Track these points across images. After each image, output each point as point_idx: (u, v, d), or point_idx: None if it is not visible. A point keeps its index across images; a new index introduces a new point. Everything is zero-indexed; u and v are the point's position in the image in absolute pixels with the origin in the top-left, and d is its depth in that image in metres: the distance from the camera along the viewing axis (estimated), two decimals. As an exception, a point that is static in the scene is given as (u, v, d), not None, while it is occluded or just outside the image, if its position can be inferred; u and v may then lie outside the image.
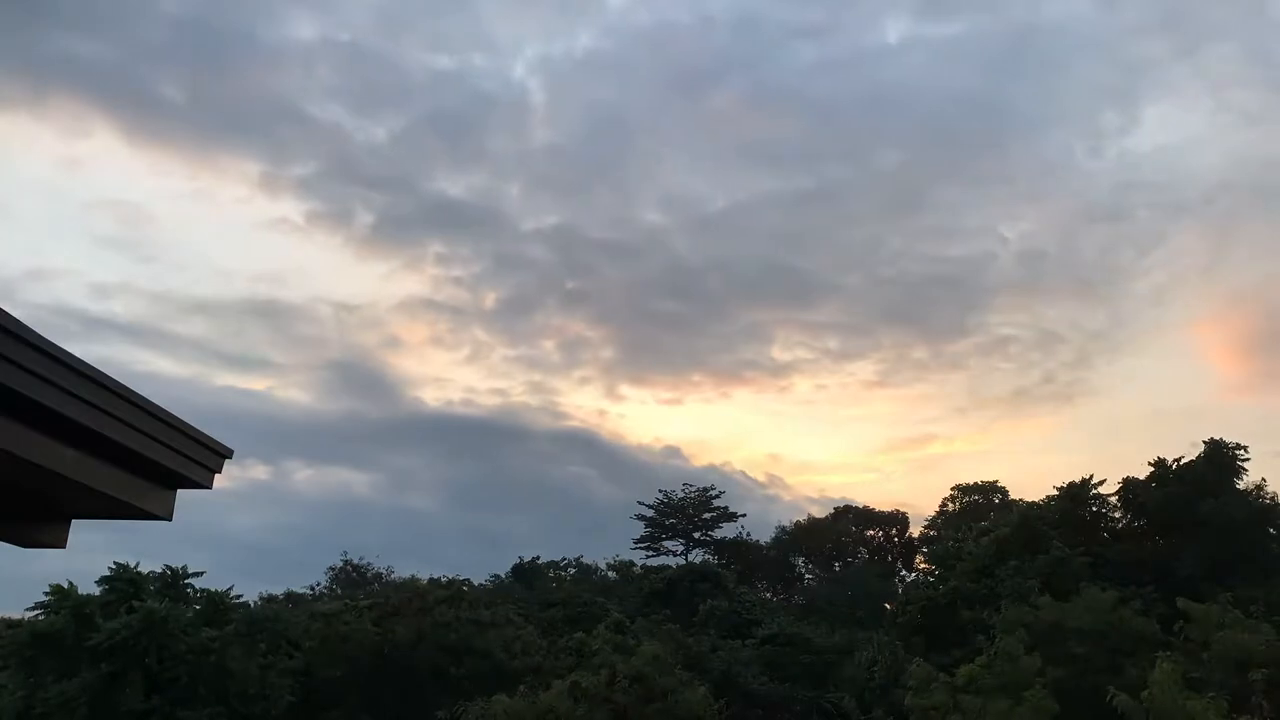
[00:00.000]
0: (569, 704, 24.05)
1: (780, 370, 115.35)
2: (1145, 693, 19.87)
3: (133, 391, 3.49)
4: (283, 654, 31.27)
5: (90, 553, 27.79)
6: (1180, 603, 26.75)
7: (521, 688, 26.96)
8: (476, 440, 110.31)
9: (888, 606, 58.09)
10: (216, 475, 4.14)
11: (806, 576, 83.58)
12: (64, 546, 4.23)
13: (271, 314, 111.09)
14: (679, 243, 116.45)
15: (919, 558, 75.63)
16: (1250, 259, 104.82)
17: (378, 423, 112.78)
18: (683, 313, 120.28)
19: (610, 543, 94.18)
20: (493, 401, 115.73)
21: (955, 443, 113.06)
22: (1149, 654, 23.76)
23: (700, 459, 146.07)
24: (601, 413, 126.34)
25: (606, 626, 38.73)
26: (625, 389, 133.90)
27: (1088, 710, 23.38)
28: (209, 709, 26.93)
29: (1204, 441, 43.45)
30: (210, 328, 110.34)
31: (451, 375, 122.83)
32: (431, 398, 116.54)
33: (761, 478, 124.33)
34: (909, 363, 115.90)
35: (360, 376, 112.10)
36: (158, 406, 3.64)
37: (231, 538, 77.56)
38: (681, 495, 79.28)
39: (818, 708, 37.65)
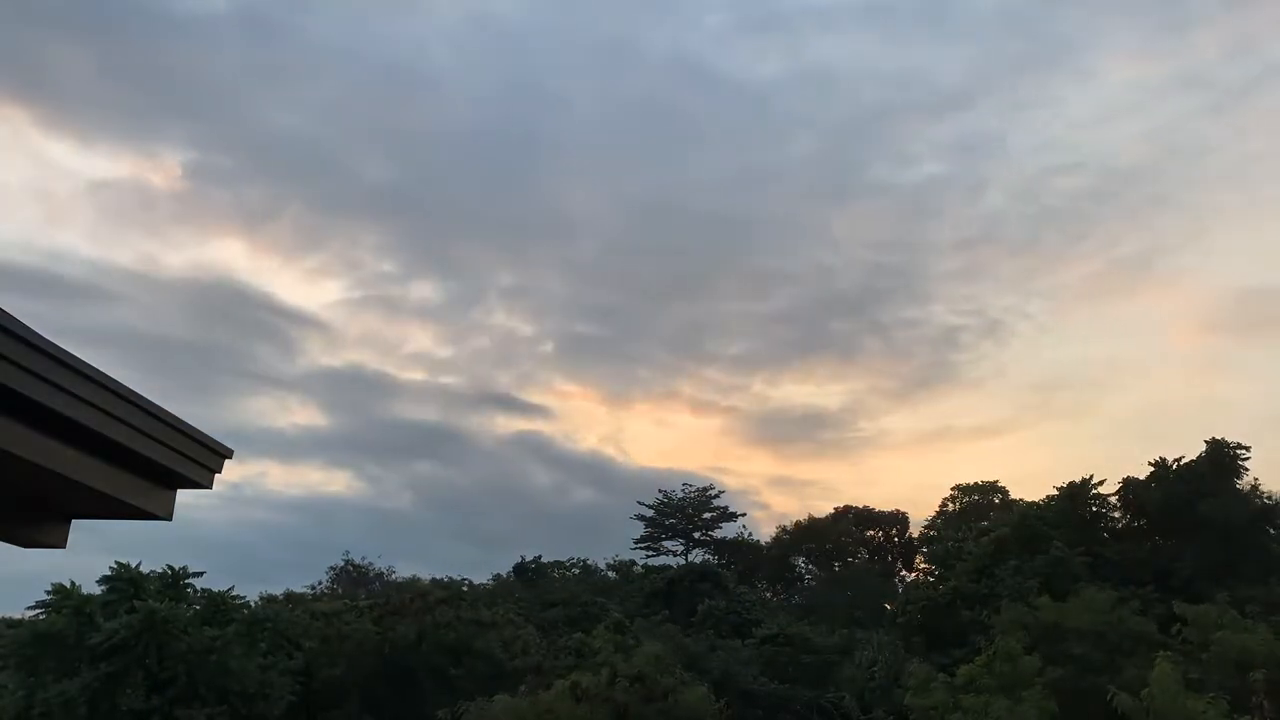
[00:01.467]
0: (570, 703, 24.06)
1: (733, 365, 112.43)
2: (1145, 691, 19.91)
3: (133, 391, 3.50)
4: (283, 654, 31.22)
5: (90, 553, 27.77)
6: (1177, 606, 26.81)
7: (523, 687, 26.99)
8: (433, 442, 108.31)
9: (888, 606, 58.03)
10: (216, 475, 4.16)
11: (806, 576, 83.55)
12: (64, 546, 4.24)
13: (219, 313, 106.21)
14: (619, 230, 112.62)
15: (919, 558, 75.63)
16: (1185, 242, 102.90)
17: (344, 425, 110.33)
18: (628, 304, 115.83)
19: (582, 541, 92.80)
20: (440, 399, 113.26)
21: (921, 437, 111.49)
22: (1148, 654, 23.80)
23: (654, 459, 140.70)
24: (545, 411, 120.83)
25: (606, 626, 38.74)
26: (568, 386, 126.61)
27: (1087, 710, 23.41)
28: (209, 709, 26.93)
29: (1205, 441, 43.51)
30: (160, 327, 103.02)
31: (393, 371, 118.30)
32: (380, 396, 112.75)
33: (714, 477, 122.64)
34: (863, 353, 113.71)
35: (315, 374, 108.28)
36: (158, 406, 3.64)
37: (220, 541, 76.48)
38: (681, 495, 79.33)
39: (818, 707, 37.62)
